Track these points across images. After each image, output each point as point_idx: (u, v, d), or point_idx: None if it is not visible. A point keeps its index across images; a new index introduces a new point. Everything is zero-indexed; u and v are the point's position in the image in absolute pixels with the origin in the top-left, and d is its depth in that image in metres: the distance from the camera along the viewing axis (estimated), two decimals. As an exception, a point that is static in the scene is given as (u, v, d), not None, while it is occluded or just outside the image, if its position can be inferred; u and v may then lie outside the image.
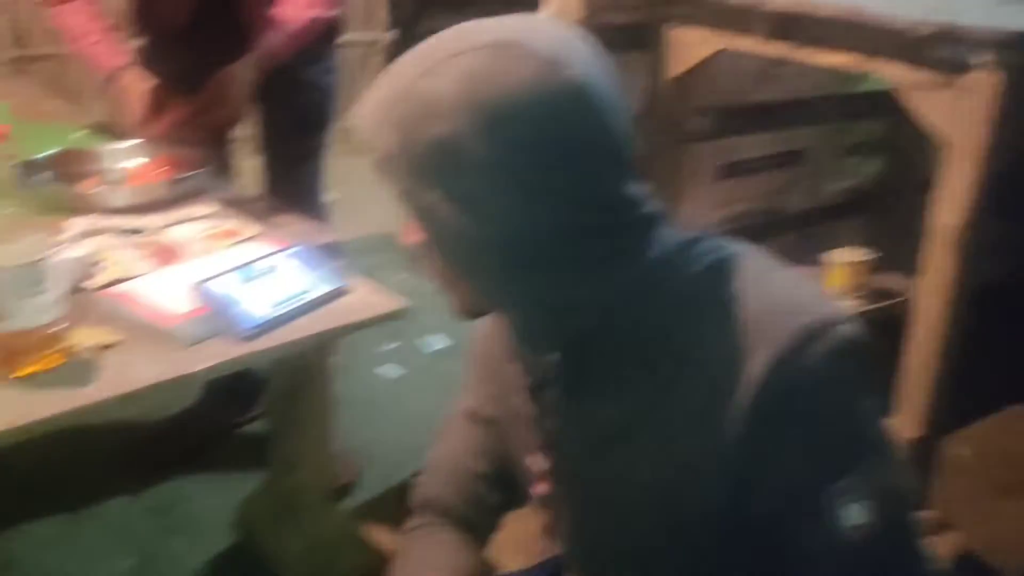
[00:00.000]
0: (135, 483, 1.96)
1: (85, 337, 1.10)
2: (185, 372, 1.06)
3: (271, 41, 1.69)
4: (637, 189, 0.76)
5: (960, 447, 2.21)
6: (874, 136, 2.69)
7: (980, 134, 1.43)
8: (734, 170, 2.47)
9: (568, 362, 0.82)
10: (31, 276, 0.98)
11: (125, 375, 1.04)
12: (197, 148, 1.64)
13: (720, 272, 0.77)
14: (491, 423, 0.99)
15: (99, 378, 1.04)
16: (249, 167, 2.25)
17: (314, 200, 1.97)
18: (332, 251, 1.39)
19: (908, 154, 2.51)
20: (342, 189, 2.95)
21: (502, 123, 0.70)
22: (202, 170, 1.59)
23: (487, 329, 0.98)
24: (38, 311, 1.00)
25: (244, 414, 2.14)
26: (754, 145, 2.49)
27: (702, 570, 0.84)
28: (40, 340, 1.02)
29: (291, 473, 1.62)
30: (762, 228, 2.46)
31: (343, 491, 1.90)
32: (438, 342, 2.65)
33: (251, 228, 1.45)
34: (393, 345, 2.62)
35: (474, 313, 0.86)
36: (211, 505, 1.90)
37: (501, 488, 1.01)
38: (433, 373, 2.48)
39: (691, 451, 0.76)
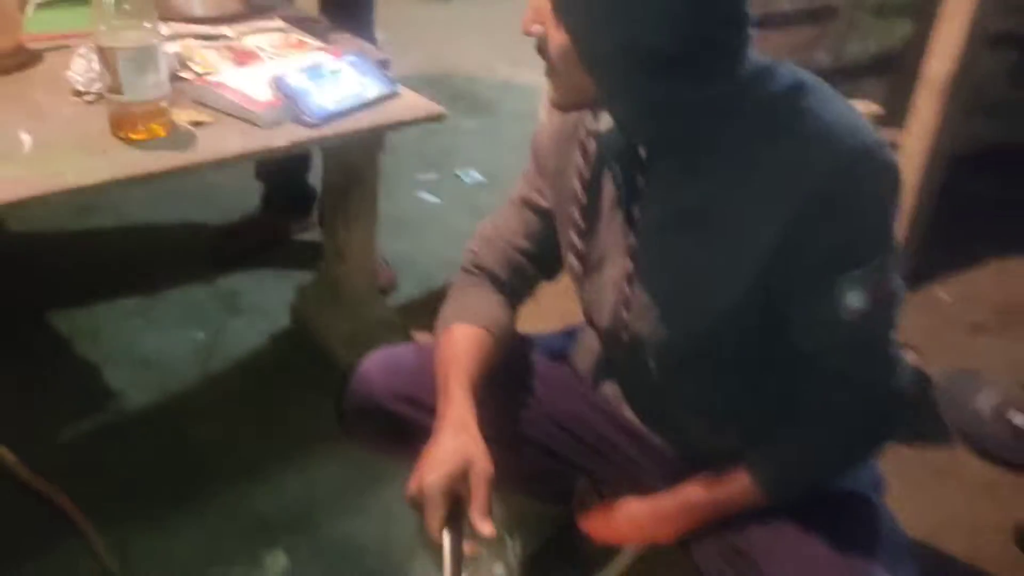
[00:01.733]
0: (205, 272, 2.23)
1: (183, 115, 1.33)
2: (265, 146, 1.30)
3: None
4: (743, 10, 0.91)
5: (940, 292, 2.43)
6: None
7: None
8: (766, 21, 2.58)
9: (658, 152, 1.00)
10: (146, 58, 1.20)
11: (217, 146, 1.28)
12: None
13: (796, 92, 0.94)
14: (539, 211, 1.18)
15: (196, 146, 1.28)
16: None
17: (366, 24, 2.14)
18: (383, 65, 1.60)
19: (934, 18, 2.60)
20: (389, 31, 3.11)
21: None
22: (271, -11, 1.78)
23: (550, 129, 1.15)
24: (150, 87, 1.23)
25: (300, 222, 2.39)
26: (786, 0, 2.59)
27: (726, 351, 1.04)
28: (151, 111, 1.25)
29: (340, 264, 1.88)
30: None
31: (383, 293, 2.17)
32: (475, 175, 2.87)
33: (316, 41, 1.65)
34: (433, 176, 2.85)
35: (575, 106, 1.01)
36: (269, 293, 2.17)
37: (539, 265, 1.21)
38: (468, 201, 2.71)
39: (750, 235, 0.95)
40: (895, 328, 1.00)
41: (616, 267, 1.09)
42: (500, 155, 2.92)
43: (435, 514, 0.99)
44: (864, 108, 2.24)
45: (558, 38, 0.93)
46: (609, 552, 1.40)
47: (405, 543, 1.55)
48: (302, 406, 1.82)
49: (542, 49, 0.96)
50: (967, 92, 1.70)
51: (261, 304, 2.16)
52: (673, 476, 1.13)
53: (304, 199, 2.37)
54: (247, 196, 2.38)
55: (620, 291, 1.09)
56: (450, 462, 1.01)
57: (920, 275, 2.38)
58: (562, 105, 1.01)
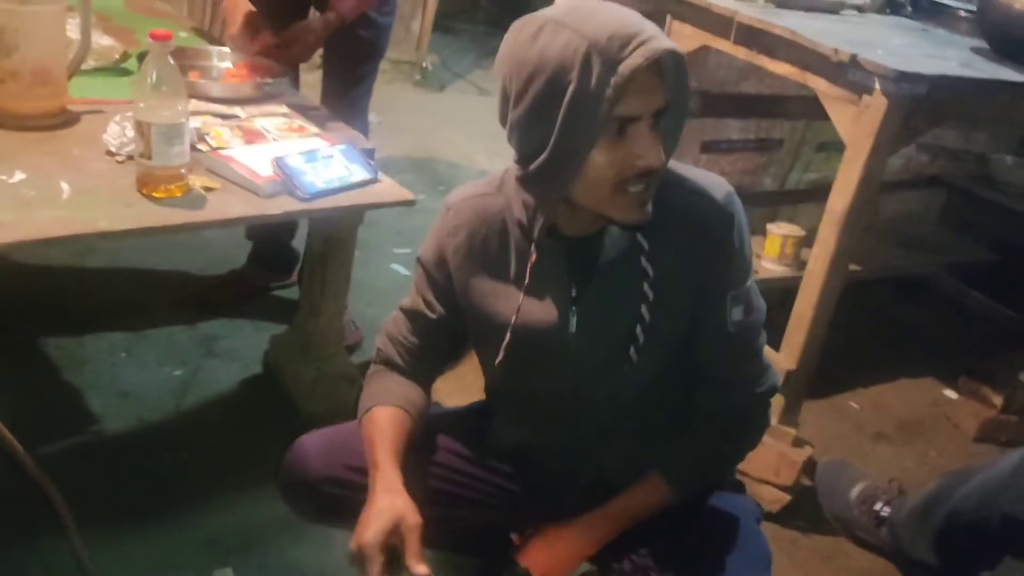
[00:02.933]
0: (188, 317, 2.45)
1: (197, 181, 1.59)
2: (262, 213, 1.56)
3: (345, 6, 2.10)
4: None
5: (851, 400, 2.70)
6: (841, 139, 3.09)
7: (870, 142, 1.89)
8: (715, 147, 2.90)
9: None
10: (175, 132, 1.46)
11: (223, 209, 1.54)
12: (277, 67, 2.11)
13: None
14: (423, 318, 1.35)
15: (206, 207, 1.53)
16: (312, 79, 2.73)
17: (361, 116, 2.43)
18: (369, 154, 1.87)
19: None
20: (384, 113, 3.41)
21: None
22: (281, 79, 2.07)
23: (439, 247, 1.31)
24: (174, 156, 1.49)
25: (280, 280, 2.64)
26: (737, 129, 2.91)
27: (654, 378, 1.28)
28: (172, 175, 1.51)
29: (313, 319, 2.12)
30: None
31: (348, 350, 2.39)
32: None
33: (314, 128, 1.93)
34: (407, 251, 3.11)
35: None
36: (245, 341, 2.40)
37: (434, 355, 1.39)
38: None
39: (683, 284, 1.22)
40: (763, 338, 1.31)
41: (564, 341, 1.27)
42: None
43: (374, 567, 1.13)
44: (787, 230, 2.54)
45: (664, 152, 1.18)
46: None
47: (342, 571, 1.75)
48: (263, 443, 2.00)
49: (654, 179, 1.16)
50: (867, 228, 2.00)
51: (237, 350, 2.37)
52: (582, 509, 1.34)
53: (287, 260, 2.62)
54: (235, 252, 2.63)
55: (563, 363, 1.29)
56: (383, 519, 1.15)
57: (835, 383, 2.66)
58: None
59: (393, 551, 1.16)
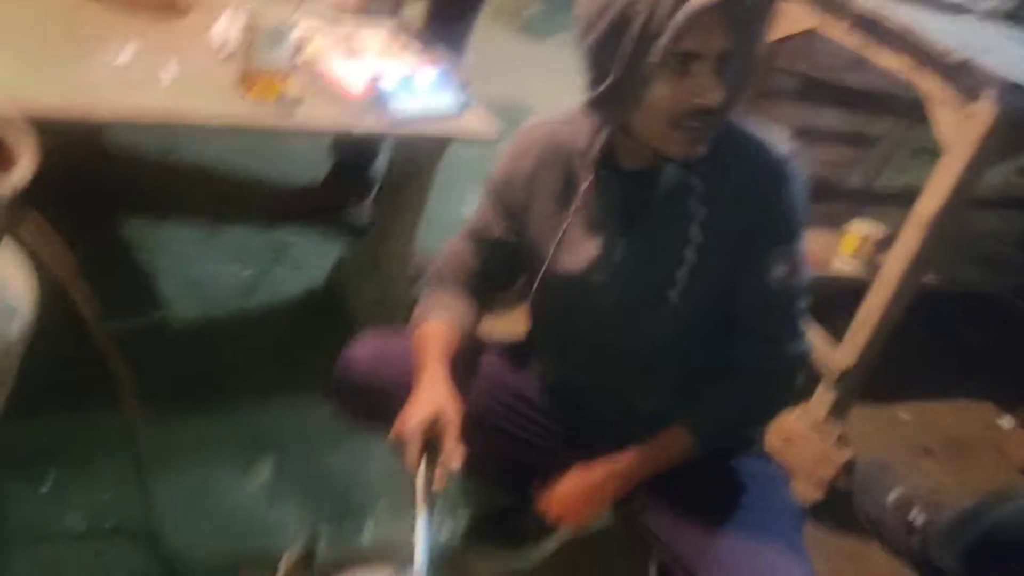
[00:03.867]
0: (262, 223, 2.50)
1: (293, 87, 1.62)
2: (350, 127, 1.59)
3: None
4: None
5: (901, 411, 2.66)
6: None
7: (971, 150, 1.83)
8: (807, 134, 2.83)
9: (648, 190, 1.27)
10: (280, 36, 1.50)
11: (313, 118, 1.57)
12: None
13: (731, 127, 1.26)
14: (487, 240, 1.39)
15: (297, 114, 1.57)
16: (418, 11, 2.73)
17: (460, 50, 2.44)
18: (463, 86, 1.88)
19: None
20: (480, 56, 3.39)
21: None
22: (384, 5, 2.09)
23: (508, 171, 1.38)
24: (276, 59, 1.52)
25: (356, 201, 2.67)
26: (833, 120, 2.84)
27: (694, 323, 1.31)
28: (271, 78, 1.54)
29: (383, 242, 2.16)
30: (814, 190, 2.85)
31: (412, 281, 2.43)
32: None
33: (414, 50, 1.94)
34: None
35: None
36: (315, 252, 2.44)
37: (489, 280, 1.44)
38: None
39: (729, 228, 1.24)
40: (804, 299, 1.32)
41: (600, 279, 1.31)
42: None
43: (413, 452, 1.20)
44: (866, 230, 2.49)
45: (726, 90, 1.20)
46: (546, 531, 1.65)
47: (374, 485, 1.81)
48: (316, 353, 2.02)
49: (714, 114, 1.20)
50: (952, 238, 1.95)
51: (305, 259, 2.42)
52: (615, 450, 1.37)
53: (364, 183, 2.65)
54: (316, 168, 2.67)
55: (603, 295, 1.32)
56: (426, 410, 1.21)
57: (888, 392, 2.62)
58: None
59: (431, 442, 1.21)
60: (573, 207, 1.32)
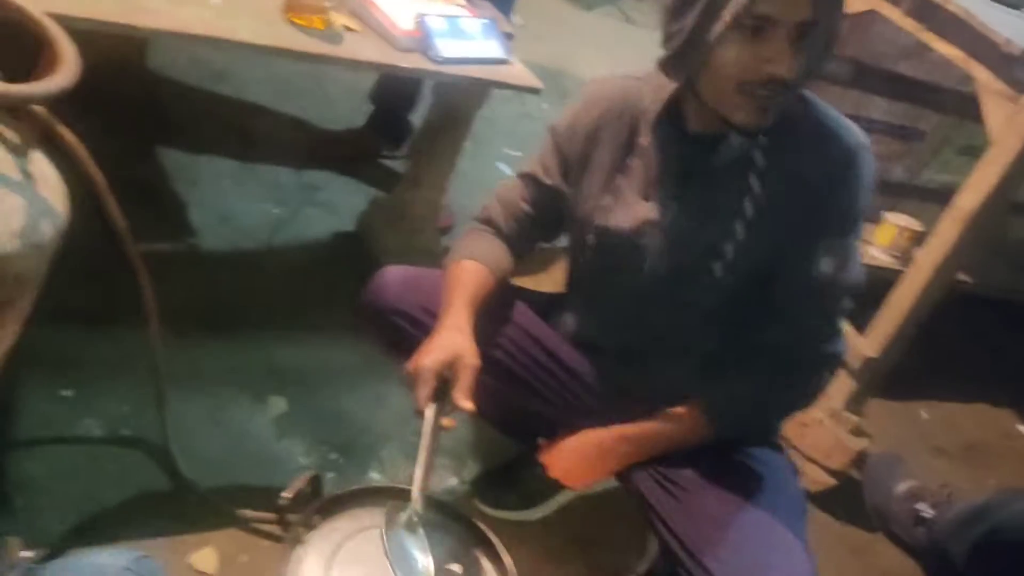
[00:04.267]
0: (297, 162, 2.51)
1: (340, 19, 1.61)
2: (393, 64, 1.57)
3: None
4: None
5: (921, 408, 2.63)
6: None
7: (1019, 145, 1.79)
8: (855, 122, 2.78)
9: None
10: (329, -37, 1.49)
11: (357, 50, 1.56)
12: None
13: (807, 102, 1.25)
14: (543, 186, 1.39)
15: (341, 45, 1.55)
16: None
17: (507, 7, 2.41)
18: (508, 37, 1.86)
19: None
20: (527, 18, 3.36)
21: None
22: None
23: (572, 121, 1.36)
24: (324, -13, 1.52)
25: (391, 150, 2.67)
26: (883, 110, 2.79)
27: (726, 294, 1.29)
28: (317, 6, 1.53)
29: (413, 190, 2.15)
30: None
31: (440, 231, 2.43)
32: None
33: (461, -1, 1.93)
34: (517, 153, 3.11)
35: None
36: (345, 197, 2.45)
37: (538, 227, 1.43)
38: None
39: (787, 200, 1.22)
40: (849, 299, 1.28)
41: (648, 237, 1.30)
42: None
43: (424, 390, 1.18)
44: (904, 222, 2.45)
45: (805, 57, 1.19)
46: (551, 488, 1.65)
47: (386, 427, 1.81)
48: (339, 296, 2.02)
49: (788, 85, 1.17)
50: (989, 237, 1.91)
51: (335, 203, 2.43)
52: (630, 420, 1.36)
53: (402, 131, 2.65)
54: (355, 113, 2.67)
55: (648, 253, 1.31)
56: (444, 350, 1.20)
57: (910, 388, 2.58)
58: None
59: (445, 384, 1.20)
60: (631, 164, 1.30)
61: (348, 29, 1.61)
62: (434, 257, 2.19)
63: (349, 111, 2.71)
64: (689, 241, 1.27)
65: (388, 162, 2.68)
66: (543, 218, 1.42)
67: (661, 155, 1.27)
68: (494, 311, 1.38)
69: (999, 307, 3.05)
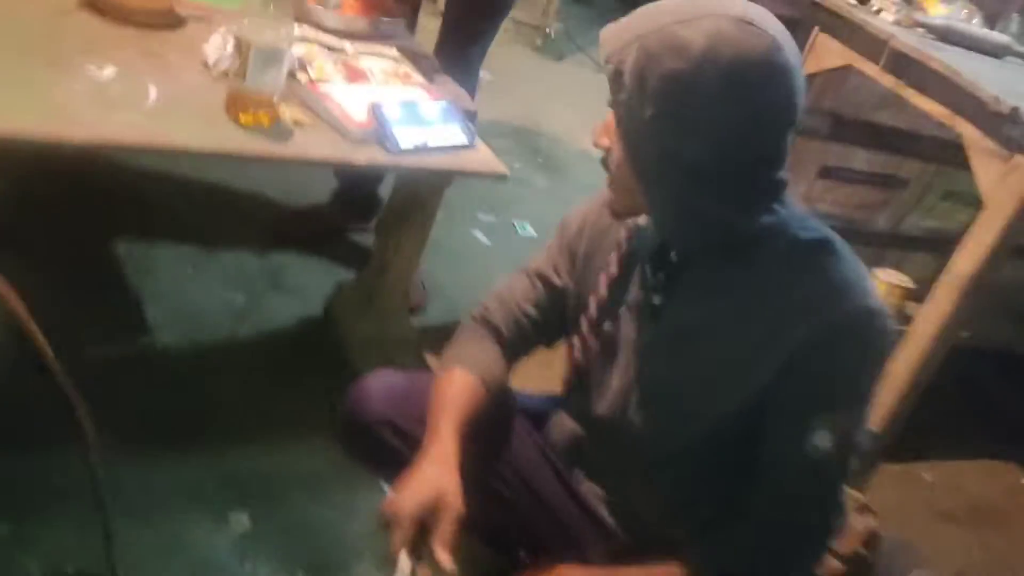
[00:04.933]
0: (261, 244, 2.38)
1: (288, 112, 1.51)
2: (347, 159, 1.47)
3: None
4: (784, 160, 1.04)
5: (924, 471, 2.52)
6: (972, 189, 2.88)
7: (1014, 206, 1.70)
8: (835, 174, 2.71)
9: (689, 261, 1.12)
10: (274, 57, 1.38)
11: (308, 147, 1.45)
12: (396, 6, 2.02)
13: (821, 245, 1.08)
14: (550, 286, 1.30)
15: (290, 142, 1.45)
16: (431, 26, 2.63)
17: (472, 73, 2.32)
18: (470, 117, 1.77)
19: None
20: (495, 72, 3.27)
21: (734, 79, 0.95)
22: (398, 20, 1.97)
23: (588, 216, 1.28)
24: (269, 82, 1.41)
25: (359, 224, 2.56)
26: (862, 160, 2.71)
27: (704, 451, 1.16)
28: (263, 102, 1.43)
29: (381, 276, 2.03)
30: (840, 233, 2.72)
31: (411, 311, 2.29)
32: (529, 229, 3.03)
33: (419, 78, 1.83)
34: (492, 218, 3.00)
35: (628, 213, 1.12)
36: (312, 280, 2.32)
37: (540, 332, 1.32)
38: (516, 251, 2.83)
39: (755, 358, 1.07)
40: (846, 476, 1.12)
41: (625, 362, 1.19)
42: (558, 217, 3.01)
43: (401, 536, 1.07)
44: (895, 279, 2.35)
45: (618, 151, 1.07)
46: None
47: (358, 541, 1.68)
48: (306, 392, 1.95)
49: (606, 161, 1.10)
50: (987, 296, 1.82)
51: (302, 287, 2.30)
52: (614, 557, 1.24)
53: (370, 205, 2.54)
54: (319, 187, 2.55)
55: (624, 385, 1.20)
56: (425, 491, 1.08)
57: (910, 449, 2.47)
58: (617, 211, 1.14)
59: (424, 527, 1.09)
60: (614, 269, 1.20)
61: (297, 124, 1.50)
62: (408, 345, 2.09)
63: (313, 185, 2.60)
64: (657, 369, 1.18)
65: (358, 236, 2.56)
66: (548, 322, 1.31)
67: (638, 258, 1.18)
68: (486, 428, 1.26)
69: (995, 358, 2.96)
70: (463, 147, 1.64)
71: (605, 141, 1.08)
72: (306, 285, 2.32)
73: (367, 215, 2.55)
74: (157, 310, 2.07)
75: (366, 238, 2.51)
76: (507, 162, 1.70)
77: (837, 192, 2.70)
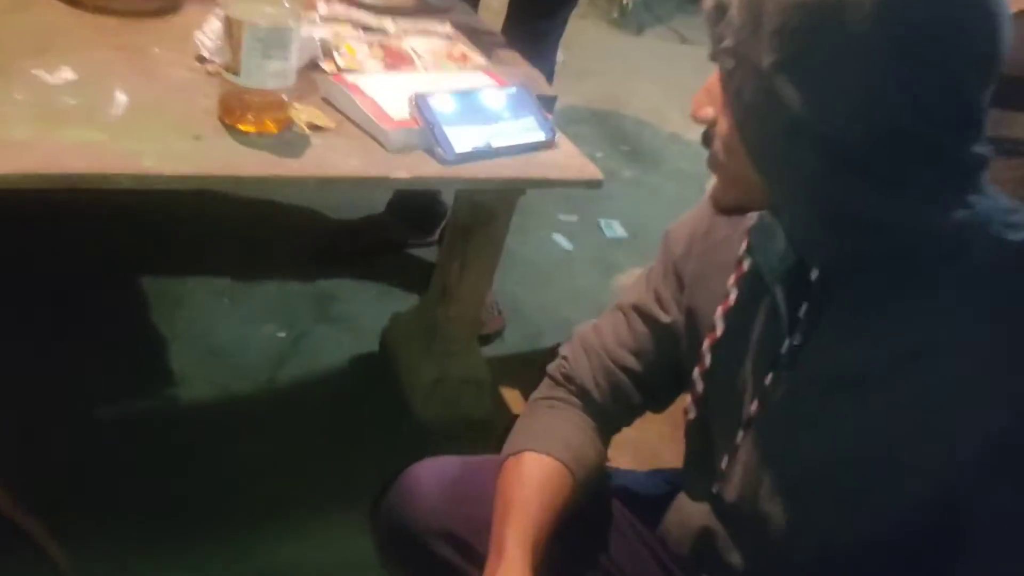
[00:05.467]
0: (308, 268, 2.05)
1: (303, 114, 1.13)
2: (381, 174, 1.08)
3: None
4: (980, 129, 0.70)
5: None
6: None
7: None
8: (994, 145, 2.24)
9: (836, 280, 0.77)
10: (276, 40, 1.00)
11: (328, 160, 1.07)
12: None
13: None
14: (656, 325, 0.96)
15: (304, 156, 1.07)
16: (495, 4, 2.23)
17: (547, 53, 1.93)
18: (547, 105, 1.37)
19: None
20: (570, 52, 2.86)
21: (898, 6, 0.64)
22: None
23: (694, 226, 0.94)
24: (273, 75, 1.03)
25: (420, 237, 2.20)
26: None
27: (862, 571, 0.81)
28: (268, 103, 1.05)
29: (444, 305, 1.66)
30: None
31: (484, 340, 1.94)
32: (617, 229, 2.63)
33: (480, 59, 1.43)
34: (573, 218, 2.61)
35: (735, 209, 0.81)
36: (366, 308, 1.99)
37: (645, 390, 0.99)
38: (603, 256, 2.47)
39: (929, 428, 0.73)
40: None
41: (751, 427, 0.86)
42: (650, 214, 2.66)
43: None
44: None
45: (724, 122, 0.74)
46: None
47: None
48: (358, 451, 1.64)
49: (709, 138, 0.78)
50: None
51: (354, 317, 1.97)
52: None
53: (432, 215, 2.18)
54: (377, 193, 2.19)
55: (752, 460, 0.86)
56: None
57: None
58: (723, 205, 0.80)
59: None
60: (732, 296, 0.88)
61: (316, 128, 1.12)
62: (480, 388, 1.73)
63: (366, 194, 2.23)
64: (796, 430, 0.84)
65: (420, 252, 2.20)
66: (656, 375, 0.98)
67: (763, 286, 0.84)
68: (573, 531, 0.94)
69: None
70: (540, 145, 1.24)
71: (707, 110, 0.77)
72: (359, 314, 1.99)
73: (429, 227, 2.19)
74: (185, 354, 1.78)
75: (429, 253, 2.17)
76: (588, 153, 1.33)
77: (995, 166, 2.22)
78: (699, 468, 0.96)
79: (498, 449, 0.98)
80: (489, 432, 1.69)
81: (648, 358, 0.97)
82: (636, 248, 2.51)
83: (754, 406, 0.85)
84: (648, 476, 1.11)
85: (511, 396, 1.85)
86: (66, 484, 1.44)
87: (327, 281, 2.05)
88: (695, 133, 0.84)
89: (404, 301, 1.98)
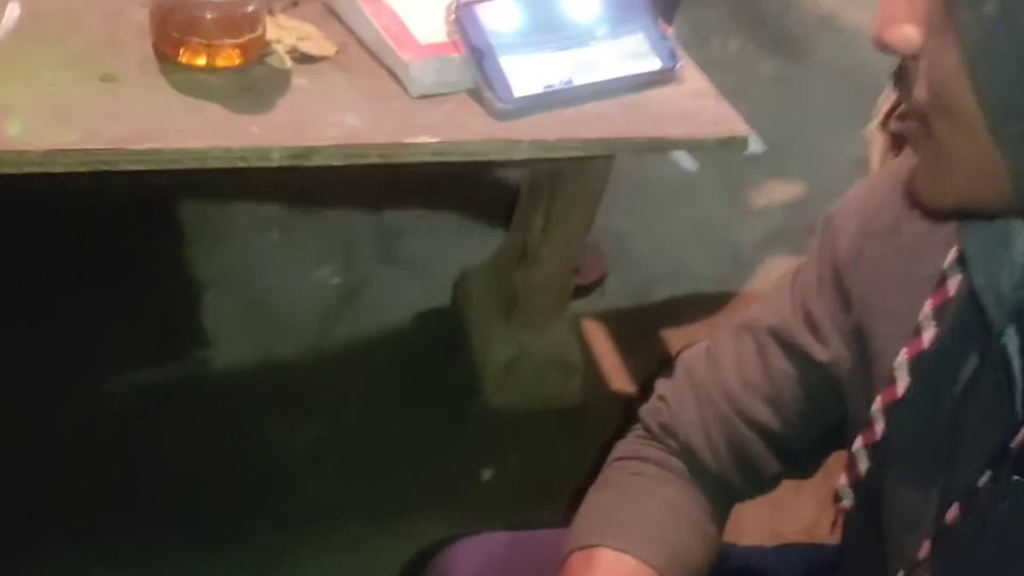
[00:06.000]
0: (375, 194, 1.75)
1: (291, 34, 0.75)
2: (397, 141, 0.70)
3: None
4: None
5: None
6: None
7: None
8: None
9: None
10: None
11: (309, 114, 0.70)
12: None
13: None
14: (805, 360, 0.67)
15: (275, 106, 0.70)
16: None
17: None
18: (667, 11, 0.94)
19: None
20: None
21: None
22: None
23: (868, 221, 0.64)
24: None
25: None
26: None
27: None
28: (227, 16, 0.67)
29: (525, 267, 1.34)
30: None
31: (580, 291, 1.59)
32: (753, 141, 2.18)
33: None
34: (698, 129, 2.19)
35: (953, 210, 0.53)
36: (439, 249, 1.69)
37: (783, 455, 0.70)
38: (735, 176, 2.02)
39: None
40: None
41: (946, 536, 0.61)
42: (796, 119, 2.18)
43: None
44: None
45: (947, 59, 0.46)
46: None
47: None
48: (418, 440, 1.39)
49: (904, 76, 0.51)
50: None
51: (424, 259, 1.68)
52: None
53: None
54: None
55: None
56: None
57: None
58: (934, 199, 0.53)
59: None
60: (928, 334, 0.60)
61: (305, 59, 0.75)
62: (569, 372, 1.41)
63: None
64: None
65: (506, 173, 1.83)
66: (801, 435, 0.71)
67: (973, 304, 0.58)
68: None
69: None
70: (654, 79, 0.82)
71: (906, 29, 0.48)
72: (430, 256, 1.69)
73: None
74: (223, 305, 1.56)
75: (521, 173, 1.81)
76: (719, 43, 0.96)
77: None
78: (859, 550, 0.70)
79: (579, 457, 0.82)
80: (578, 423, 1.46)
81: (789, 408, 0.69)
82: (780, 164, 2.08)
83: (953, 511, 0.59)
84: (776, 554, 0.85)
85: (612, 370, 1.55)
86: (65, 478, 1.25)
87: (395, 213, 1.76)
88: (850, 17, 0.58)
89: (487, 240, 1.64)
